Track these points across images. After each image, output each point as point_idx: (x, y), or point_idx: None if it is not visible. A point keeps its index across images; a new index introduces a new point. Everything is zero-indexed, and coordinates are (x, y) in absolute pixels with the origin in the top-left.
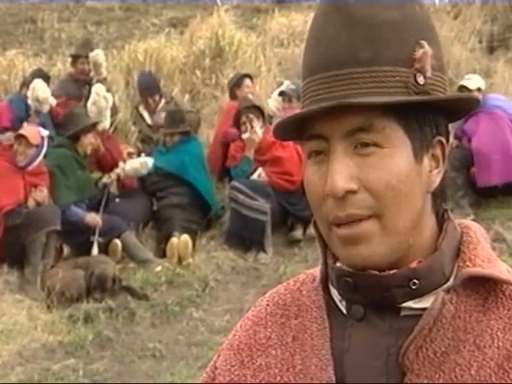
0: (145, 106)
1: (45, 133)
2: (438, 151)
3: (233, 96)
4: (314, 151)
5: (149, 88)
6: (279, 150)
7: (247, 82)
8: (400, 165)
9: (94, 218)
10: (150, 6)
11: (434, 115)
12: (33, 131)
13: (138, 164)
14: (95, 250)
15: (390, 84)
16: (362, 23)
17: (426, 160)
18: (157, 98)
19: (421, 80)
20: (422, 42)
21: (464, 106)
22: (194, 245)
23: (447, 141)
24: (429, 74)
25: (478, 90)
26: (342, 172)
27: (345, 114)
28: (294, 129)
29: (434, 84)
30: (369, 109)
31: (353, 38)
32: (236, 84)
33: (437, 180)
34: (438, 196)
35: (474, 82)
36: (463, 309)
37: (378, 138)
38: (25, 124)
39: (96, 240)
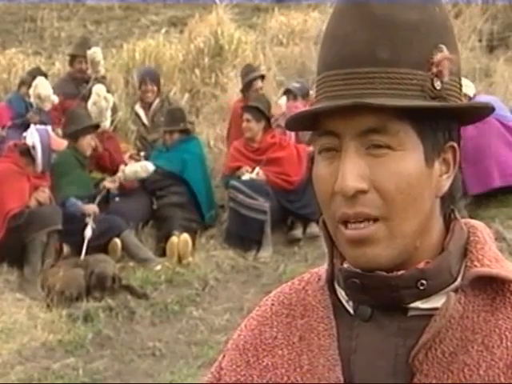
0: (141, 99)
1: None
2: (450, 156)
3: (243, 93)
4: (325, 147)
5: (149, 75)
6: (278, 151)
7: (258, 84)
8: (411, 168)
9: (91, 207)
10: (149, 5)
11: (448, 120)
12: (58, 140)
13: (138, 167)
14: (89, 231)
15: (407, 87)
16: (381, 22)
17: (437, 164)
18: (155, 88)
19: (438, 85)
20: (441, 45)
21: (478, 113)
22: (193, 244)
23: (459, 145)
24: (446, 78)
25: (464, 96)
26: (354, 171)
27: (359, 114)
28: (307, 122)
29: (450, 89)
30: (384, 111)
31: (371, 36)
32: (247, 85)
33: (446, 184)
34: (447, 199)
35: None
36: (471, 309)
37: (391, 140)
38: (32, 126)
39: (90, 224)
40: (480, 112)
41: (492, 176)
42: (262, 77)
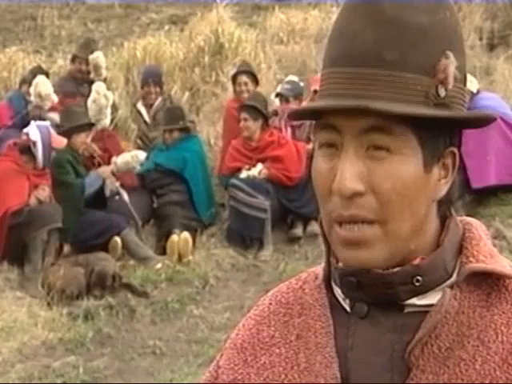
0: (144, 98)
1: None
2: (449, 161)
3: (235, 92)
4: (326, 143)
5: (152, 76)
6: (277, 149)
7: (241, 79)
8: (408, 172)
9: (105, 169)
10: (149, 3)
11: (450, 126)
12: (58, 137)
13: (129, 157)
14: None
15: (411, 92)
16: (390, 23)
17: (436, 169)
18: (157, 89)
19: (442, 92)
20: (448, 52)
21: (481, 121)
22: (194, 242)
23: (459, 149)
24: (450, 86)
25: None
26: (352, 172)
27: (361, 115)
28: (309, 115)
29: (454, 96)
30: (386, 115)
31: (379, 36)
32: (232, 80)
33: (444, 189)
34: (444, 203)
35: None
36: (467, 304)
37: (391, 143)
38: (33, 123)
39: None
40: (483, 121)
41: (492, 173)
42: (250, 73)
